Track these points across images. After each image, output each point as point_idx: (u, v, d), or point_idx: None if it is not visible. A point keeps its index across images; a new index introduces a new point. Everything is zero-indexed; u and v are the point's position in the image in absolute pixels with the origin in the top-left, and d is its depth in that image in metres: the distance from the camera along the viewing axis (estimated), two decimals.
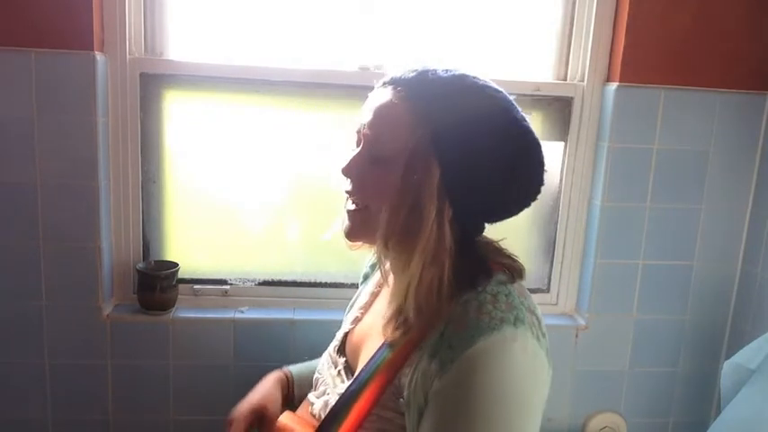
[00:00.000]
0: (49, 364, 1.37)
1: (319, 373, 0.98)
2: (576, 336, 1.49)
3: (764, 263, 1.45)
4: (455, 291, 0.77)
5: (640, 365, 1.53)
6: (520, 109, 0.81)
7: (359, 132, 0.83)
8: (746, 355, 1.29)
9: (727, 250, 1.51)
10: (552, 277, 1.54)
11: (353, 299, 1.06)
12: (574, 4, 1.44)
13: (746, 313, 1.49)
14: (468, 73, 0.80)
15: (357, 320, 0.98)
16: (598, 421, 1.54)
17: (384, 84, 0.81)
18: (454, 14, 1.42)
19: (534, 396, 0.73)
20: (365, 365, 0.83)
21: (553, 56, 1.47)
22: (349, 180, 0.84)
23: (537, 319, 0.77)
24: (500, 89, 0.81)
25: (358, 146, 0.83)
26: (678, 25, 1.37)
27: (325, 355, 1.00)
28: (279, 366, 1.42)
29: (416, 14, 1.40)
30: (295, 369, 1.12)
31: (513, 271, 0.82)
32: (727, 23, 1.38)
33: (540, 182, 0.81)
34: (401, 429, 0.76)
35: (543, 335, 0.77)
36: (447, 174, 0.75)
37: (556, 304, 1.55)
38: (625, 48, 1.38)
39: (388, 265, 0.82)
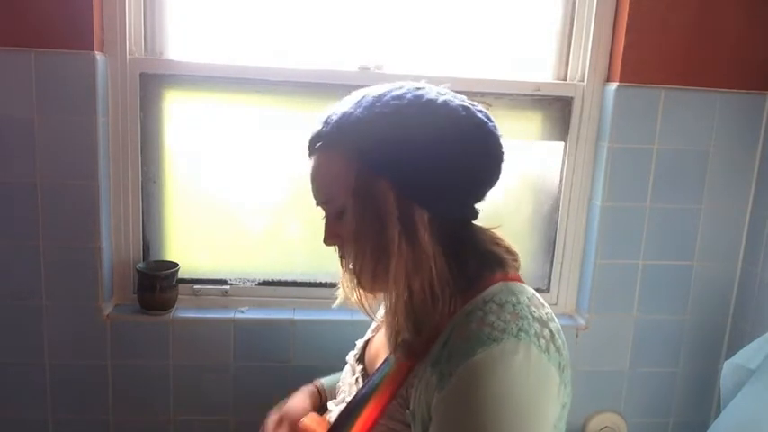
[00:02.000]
0: (49, 364, 1.37)
1: (342, 381, 0.99)
2: (576, 336, 1.49)
3: (764, 263, 1.45)
4: (457, 287, 0.76)
5: (640, 365, 1.53)
6: (433, 88, 0.79)
7: (319, 206, 0.84)
8: (746, 355, 1.29)
9: (727, 250, 1.51)
10: (552, 277, 1.54)
11: (378, 307, 1.06)
12: (574, 4, 1.44)
13: (746, 313, 1.49)
14: (369, 90, 0.79)
15: (377, 329, 0.99)
16: (598, 421, 1.54)
17: (309, 154, 0.82)
18: (454, 14, 1.42)
19: (536, 411, 0.69)
20: (373, 373, 0.83)
21: (553, 56, 1.47)
22: (335, 247, 0.85)
23: (549, 331, 0.74)
24: (400, 84, 0.79)
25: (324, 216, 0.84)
26: (678, 25, 1.37)
27: (347, 363, 1.00)
28: (279, 366, 1.43)
29: (416, 14, 1.40)
30: (326, 380, 1.13)
31: (507, 265, 0.80)
32: (728, 24, 1.38)
33: (493, 140, 0.79)
34: None
35: (557, 348, 0.73)
36: (400, 184, 0.74)
37: (556, 304, 1.55)
38: (625, 48, 1.38)
39: (367, 303, 0.84)
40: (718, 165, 1.45)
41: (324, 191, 0.81)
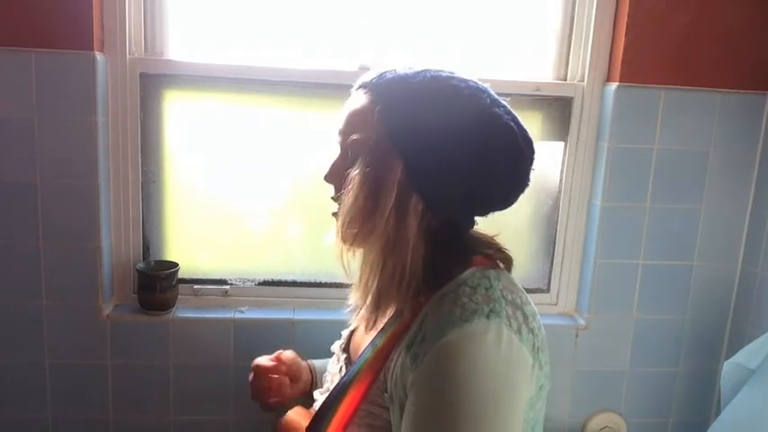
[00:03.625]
0: (49, 364, 1.37)
1: (327, 371, 1.00)
2: (576, 336, 1.49)
3: (764, 263, 1.45)
4: (426, 283, 0.78)
5: (640, 365, 1.53)
6: (494, 95, 0.80)
7: (336, 137, 0.86)
8: (746, 355, 1.29)
9: (727, 250, 1.51)
10: (552, 277, 1.54)
11: None
12: (574, 4, 1.44)
13: (746, 313, 1.49)
14: (433, 68, 0.81)
15: (361, 320, 0.99)
16: (598, 421, 1.54)
17: (355, 89, 0.84)
18: (454, 14, 1.42)
19: (508, 390, 0.71)
20: (354, 361, 0.85)
21: (553, 56, 1.47)
22: (333, 186, 0.86)
23: (523, 313, 0.76)
24: (467, 79, 0.81)
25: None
26: (678, 25, 1.37)
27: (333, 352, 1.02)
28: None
29: (416, 14, 1.40)
30: (317, 362, 1.15)
31: (500, 262, 0.83)
32: (728, 23, 1.38)
33: (521, 168, 0.80)
34: (388, 424, 0.77)
35: (530, 330, 0.76)
36: (410, 166, 0.76)
37: (556, 304, 1.55)
38: (625, 48, 1.38)
39: (345, 259, 0.84)
40: (718, 165, 1.45)
41: (346, 126, 0.83)
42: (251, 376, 1.10)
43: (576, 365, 1.51)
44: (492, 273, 0.79)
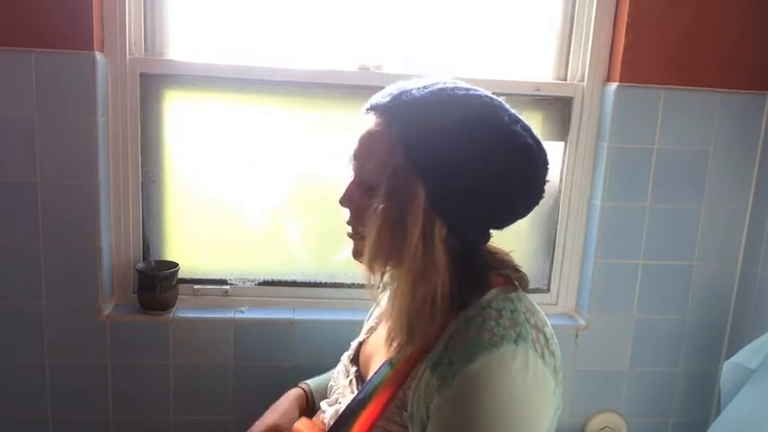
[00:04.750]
0: (49, 364, 1.37)
1: (334, 381, 0.98)
2: (576, 336, 1.49)
3: (764, 263, 1.45)
4: (451, 306, 0.77)
5: (640, 365, 1.53)
6: (509, 110, 0.79)
7: (349, 163, 0.83)
8: (746, 355, 1.29)
9: (727, 250, 1.51)
10: (552, 277, 1.54)
11: (372, 308, 1.06)
12: (574, 4, 1.44)
13: (746, 313, 1.49)
14: (445, 85, 0.78)
15: (372, 330, 0.99)
16: (598, 421, 1.54)
17: (366, 110, 0.81)
18: (454, 14, 1.42)
19: (534, 415, 0.71)
20: (371, 377, 0.84)
21: (553, 56, 1.47)
22: (348, 209, 0.84)
23: (544, 336, 0.76)
24: (483, 93, 0.79)
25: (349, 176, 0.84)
26: (678, 25, 1.37)
27: (341, 363, 1.00)
28: (279, 366, 1.43)
29: (416, 14, 1.40)
30: (313, 382, 1.13)
31: (517, 281, 0.81)
32: (727, 24, 1.38)
33: (538, 182, 0.80)
34: None
35: (551, 352, 0.76)
36: (433, 193, 0.74)
37: (556, 304, 1.55)
38: (625, 48, 1.38)
39: (374, 283, 0.83)
40: (718, 165, 1.45)
41: (362, 155, 0.80)
42: None
43: (576, 365, 1.51)
44: (514, 295, 0.79)
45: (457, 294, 0.78)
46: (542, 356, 0.73)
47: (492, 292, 0.78)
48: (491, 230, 0.83)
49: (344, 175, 0.85)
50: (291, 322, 1.41)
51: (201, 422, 1.43)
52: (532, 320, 0.76)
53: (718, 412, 1.41)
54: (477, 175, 0.74)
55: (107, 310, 1.38)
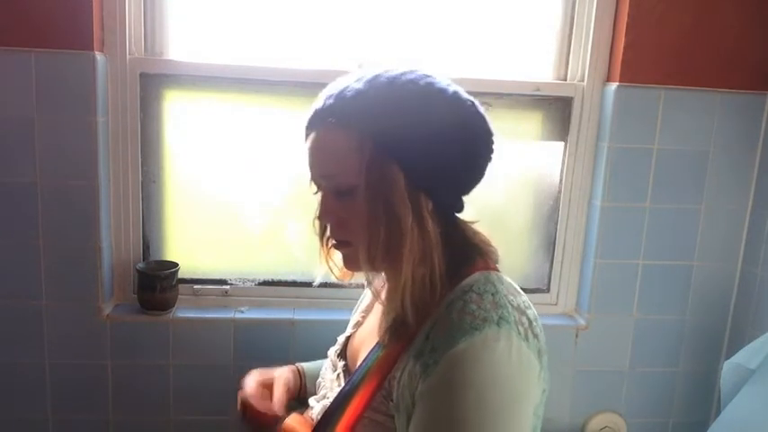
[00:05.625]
0: (49, 364, 1.37)
1: (322, 377, 0.98)
2: (576, 336, 1.49)
3: (764, 263, 1.45)
4: (447, 277, 0.78)
5: (640, 365, 1.53)
6: (436, 75, 0.80)
7: (313, 181, 0.83)
8: (746, 355, 1.29)
9: (727, 250, 1.51)
10: (552, 277, 1.54)
11: (358, 302, 1.06)
12: (574, 4, 1.44)
13: (746, 313, 1.49)
14: (376, 72, 0.79)
15: (358, 324, 0.98)
16: (598, 421, 1.54)
17: (308, 129, 0.81)
18: (454, 14, 1.42)
19: (519, 397, 0.71)
20: (357, 368, 0.83)
21: (553, 56, 1.47)
22: (328, 225, 0.84)
23: (527, 318, 0.76)
24: (409, 68, 0.79)
25: (318, 192, 0.83)
26: (678, 25, 1.37)
27: (328, 359, 1.00)
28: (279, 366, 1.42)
29: (416, 14, 1.40)
30: (306, 365, 1.13)
31: (487, 256, 0.82)
32: (727, 24, 1.38)
33: (489, 132, 0.81)
34: None
35: (535, 335, 0.75)
36: (412, 170, 0.75)
37: (556, 304, 1.55)
38: (625, 48, 1.38)
39: (376, 282, 0.83)
40: (718, 165, 1.45)
41: (330, 166, 0.79)
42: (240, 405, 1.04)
43: (576, 365, 1.51)
44: (494, 276, 0.79)
45: (450, 268, 0.78)
46: (526, 339, 0.73)
47: (473, 276, 0.78)
48: (463, 197, 0.83)
49: (312, 195, 0.84)
50: (291, 322, 1.41)
51: (201, 422, 1.43)
52: (515, 302, 0.76)
53: (718, 412, 1.41)
54: (442, 139, 0.76)
55: (107, 310, 1.38)
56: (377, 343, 0.82)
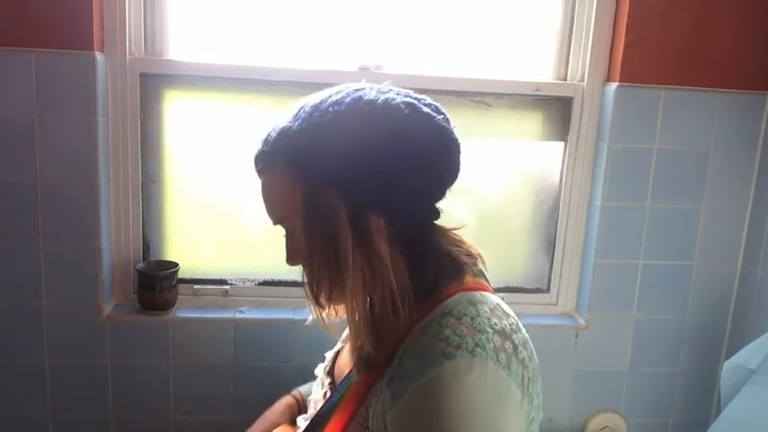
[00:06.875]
0: (49, 364, 1.37)
1: (312, 396, 0.96)
2: (576, 336, 1.49)
3: (764, 263, 1.45)
4: (416, 296, 0.73)
5: (640, 365, 1.53)
6: (365, 85, 0.76)
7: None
8: (746, 355, 1.29)
9: (727, 250, 1.51)
10: (552, 277, 1.54)
11: None
12: (574, 4, 1.44)
13: (746, 313, 1.49)
14: (308, 99, 0.76)
15: (346, 340, 0.96)
16: (598, 421, 1.54)
17: (258, 174, 0.81)
18: (454, 14, 1.42)
19: (492, 428, 0.65)
20: (335, 390, 0.81)
21: (553, 56, 1.47)
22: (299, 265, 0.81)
23: (512, 344, 0.69)
24: (345, 89, 0.75)
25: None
26: (678, 25, 1.37)
27: (318, 377, 0.98)
28: (279, 366, 1.43)
29: (416, 14, 1.40)
30: (304, 388, 1.11)
31: (470, 270, 0.77)
32: (727, 24, 1.38)
33: (445, 136, 0.75)
34: None
35: (520, 361, 0.69)
36: (349, 192, 0.71)
37: (556, 304, 1.55)
38: (625, 48, 1.38)
39: (324, 316, 0.79)
40: (718, 165, 1.45)
41: (277, 211, 0.78)
42: None
43: (576, 365, 1.51)
44: (478, 297, 0.73)
45: (420, 282, 0.74)
46: (507, 367, 0.67)
47: (455, 297, 0.73)
48: (437, 202, 0.79)
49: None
50: (291, 322, 1.41)
51: (201, 422, 1.43)
52: (499, 326, 0.70)
53: (718, 412, 1.41)
54: (376, 151, 0.71)
55: (107, 310, 1.38)
56: (350, 370, 0.79)
